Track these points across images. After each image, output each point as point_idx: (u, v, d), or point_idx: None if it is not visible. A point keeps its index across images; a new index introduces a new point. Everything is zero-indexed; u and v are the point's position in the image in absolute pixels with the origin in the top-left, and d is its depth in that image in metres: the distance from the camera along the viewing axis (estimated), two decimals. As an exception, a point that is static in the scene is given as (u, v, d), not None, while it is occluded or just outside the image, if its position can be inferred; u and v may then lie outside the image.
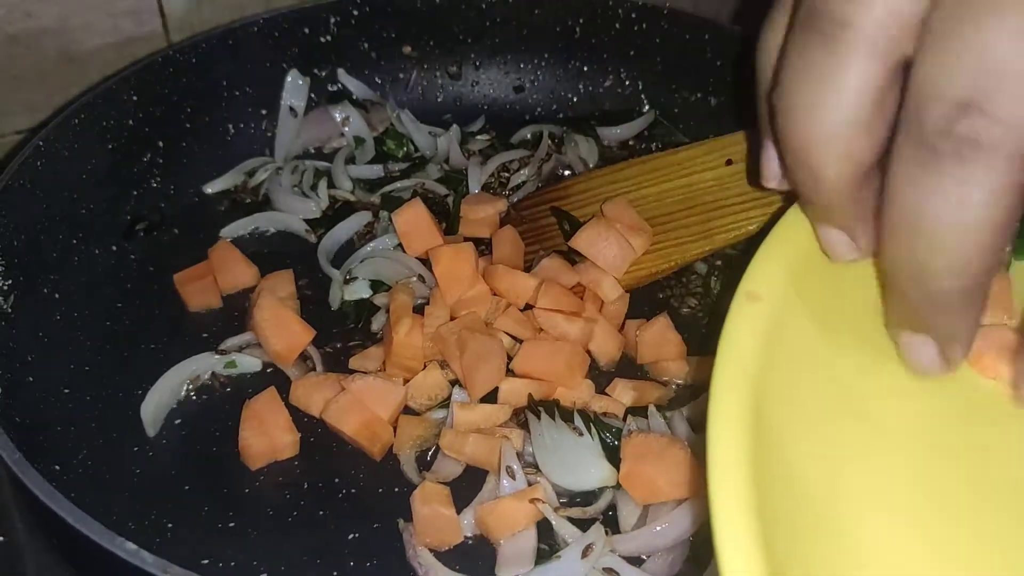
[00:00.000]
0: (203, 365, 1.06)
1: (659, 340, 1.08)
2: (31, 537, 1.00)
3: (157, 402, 1.02)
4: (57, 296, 1.08)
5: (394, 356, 1.02)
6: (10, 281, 1.00)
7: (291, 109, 1.36)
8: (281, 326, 1.05)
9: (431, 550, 0.90)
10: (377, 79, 1.43)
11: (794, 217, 0.75)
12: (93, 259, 1.15)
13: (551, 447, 0.95)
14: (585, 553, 0.87)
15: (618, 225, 1.10)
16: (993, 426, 0.70)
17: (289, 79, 1.37)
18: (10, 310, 1.00)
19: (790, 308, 0.69)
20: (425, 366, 1.04)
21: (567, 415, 0.99)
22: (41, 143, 1.08)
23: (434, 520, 0.91)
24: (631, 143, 1.41)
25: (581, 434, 0.96)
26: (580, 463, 0.95)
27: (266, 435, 0.98)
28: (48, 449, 0.95)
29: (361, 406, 0.98)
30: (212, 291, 1.14)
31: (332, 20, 1.37)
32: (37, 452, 0.90)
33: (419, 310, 1.08)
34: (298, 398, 1.02)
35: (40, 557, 0.98)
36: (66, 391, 1.02)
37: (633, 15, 1.39)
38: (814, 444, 0.64)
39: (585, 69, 1.45)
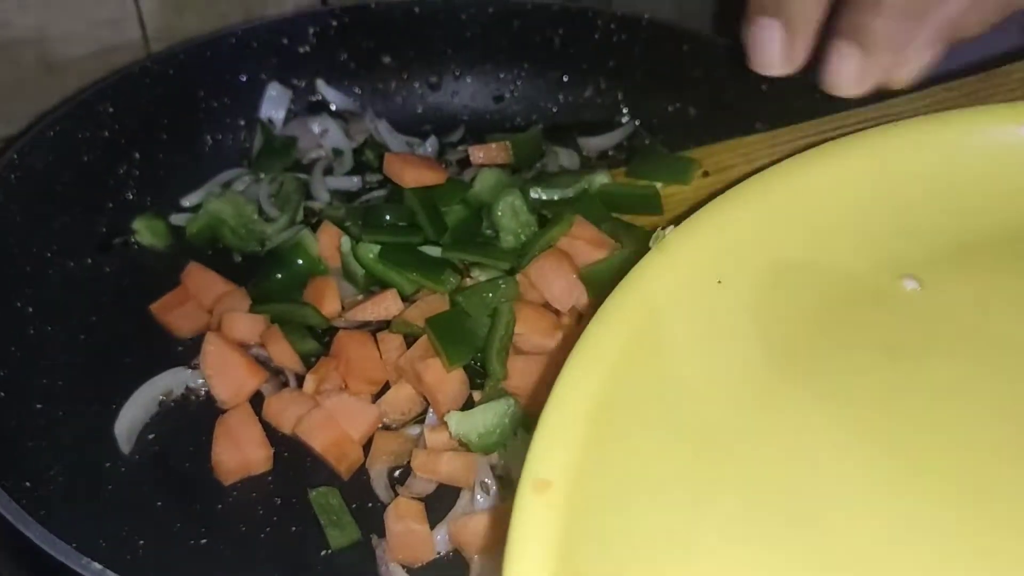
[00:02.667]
0: (177, 380, 1.06)
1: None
2: (5, 558, 1.00)
3: (131, 418, 1.02)
4: (31, 310, 1.07)
5: (354, 373, 1.02)
6: (-19, 296, 1.00)
7: (270, 121, 1.36)
8: (226, 371, 1.03)
9: (404, 566, 0.90)
10: (356, 89, 1.43)
11: (576, 369, 0.64)
12: (68, 272, 1.14)
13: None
14: (558, 569, 0.86)
15: (579, 242, 1.10)
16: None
17: (269, 92, 1.36)
18: (-18, 325, 0.99)
19: (588, 487, 0.58)
20: (389, 384, 1.04)
21: None
22: (15, 156, 1.08)
23: (407, 536, 0.91)
24: (611, 153, 1.41)
25: None
26: (554, 478, 0.94)
27: (239, 450, 0.97)
28: (20, 465, 0.95)
29: (333, 424, 0.98)
30: (198, 315, 1.12)
31: (311, 31, 1.36)
32: (8, 469, 0.90)
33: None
34: (271, 414, 1.02)
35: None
36: (39, 406, 1.02)
37: (612, 26, 1.39)
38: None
39: (565, 79, 1.45)
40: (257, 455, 0.98)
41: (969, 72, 1.15)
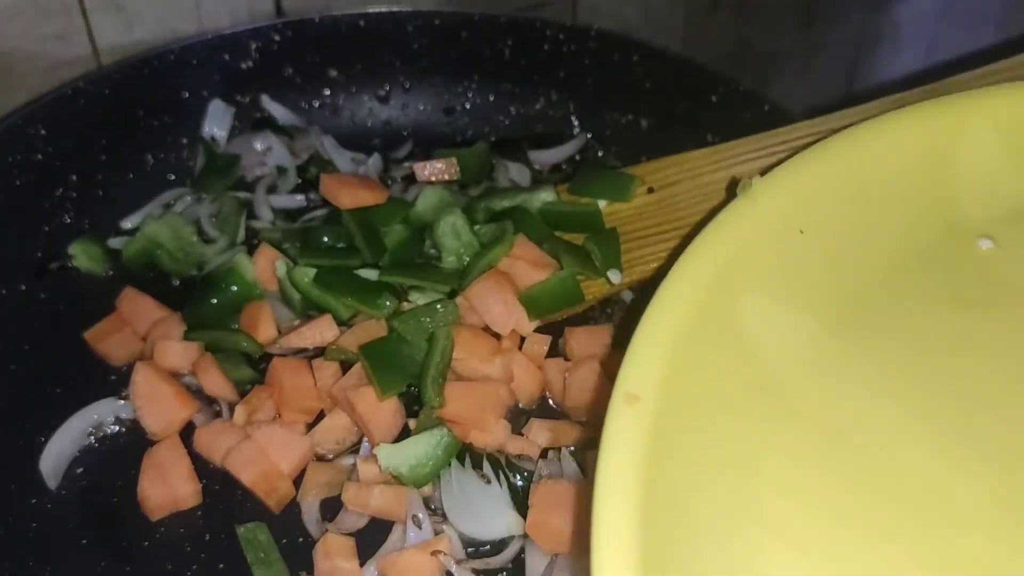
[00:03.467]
0: (107, 411, 1.03)
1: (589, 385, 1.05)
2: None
3: (58, 452, 0.99)
4: (-43, 342, 1.05)
5: (288, 402, 1.00)
6: (-100, 329, 0.97)
7: (213, 138, 1.34)
8: (156, 402, 1.01)
9: (333, 604, 0.88)
10: (303, 104, 1.40)
11: (666, 296, 0.72)
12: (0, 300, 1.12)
13: (459, 495, 0.93)
14: (488, 607, 0.85)
15: (521, 262, 1.08)
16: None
17: (212, 109, 1.34)
18: (-100, 359, 0.97)
19: (672, 405, 0.65)
20: (324, 412, 1.01)
21: (477, 461, 0.96)
22: (-60, 183, 1.05)
23: (336, 574, 0.89)
24: (563, 167, 1.38)
25: (488, 481, 0.94)
26: (487, 511, 0.93)
27: (166, 485, 0.95)
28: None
29: (262, 456, 0.96)
30: (133, 342, 1.10)
31: (253, 46, 1.34)
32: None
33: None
34: (201, 445, 0.99)
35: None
36: (-36, 446, 1.00)
37: (561, 36, 1.37)
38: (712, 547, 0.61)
39: (516, 91, 1.42)
40: (185, 490, 0.95)
41: (931, 78, 1.13)
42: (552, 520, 0.89)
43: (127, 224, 1.25)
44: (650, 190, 1.18)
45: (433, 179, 1.28)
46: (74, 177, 1.22)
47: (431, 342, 1.02)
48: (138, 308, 1.12)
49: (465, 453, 0.97)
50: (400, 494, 0.93)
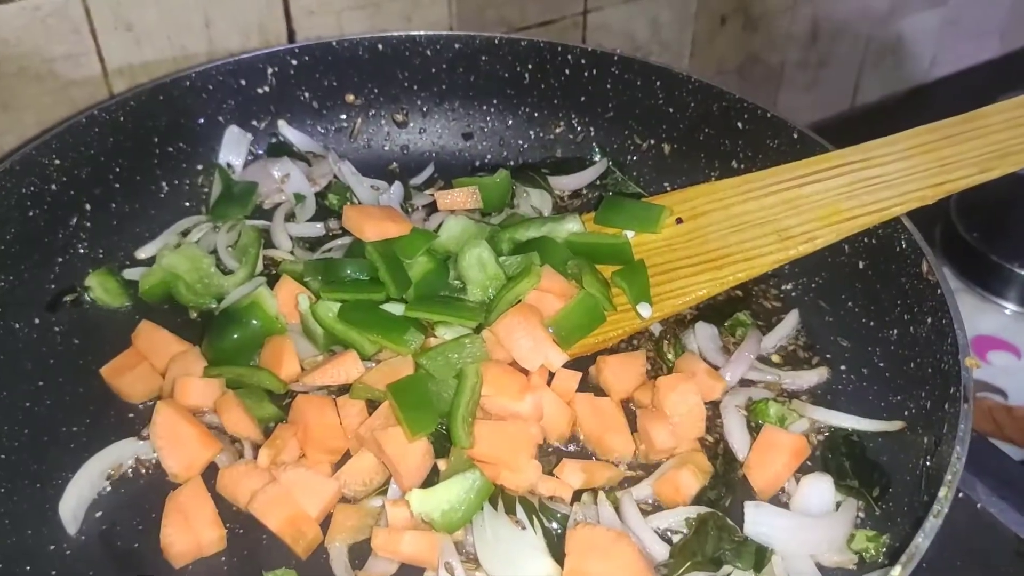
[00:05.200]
0: (126, 452, 1.01)
1: (603, 417, 1.03)
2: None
3: (77, 496, 0.96)
4: (-28, 378, 1.02)
5: (313, 442, 0.97)
6: (-86, 368, 0.95)
7: (229, 165, 1.31)
8: (177, 443, 0.98)
9: (364, 655, 0.85)
10: (320, 129, 1.38)
11: None
12: (12, 333, 1.09)
13: (492, 541, 0.91)
14: (526, 658, 0.82)
15: (548, 295, 1.05)
16: None
17: (228, 135, 1.31)
18: (-83, 399, 0.94)
19: None
20: (350, 452, 0.99)
21: (510, 505, 0.94)
22: (-49, 216, 1.02)
23: (367, 623, 0.86)
24: (584, 192, 1.36)
25: (523, 527, 0.91)
26: (522, 557, 0.90)
27: (190, 531, 0.92)
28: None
29: (289, 500, 0.93)
30: (151, 378, 1.07)
31: (269, 71, 1.32)
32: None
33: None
34: (225, 487, 0.97)
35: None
36: (-21, 486, 0.97)
37: (583, 61, 1.35)
38: None
39: (535, 115, 1.40)
40: (210, 536, 0.93)
41: (936, 90, 1.11)
42: (589, 567, 0.87)
43: (142, 254, 1.23)
44: (679, 220, 1.16)
45: (455, 208, 1.26)
46: (88, 206, 1.20)
47: (460, 379, 1.00)
48: (156, 342, 1.09)
49: (498, 497, 0.95)
50: (431, 540, 0.90)
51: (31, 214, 1.13)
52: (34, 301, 1.13)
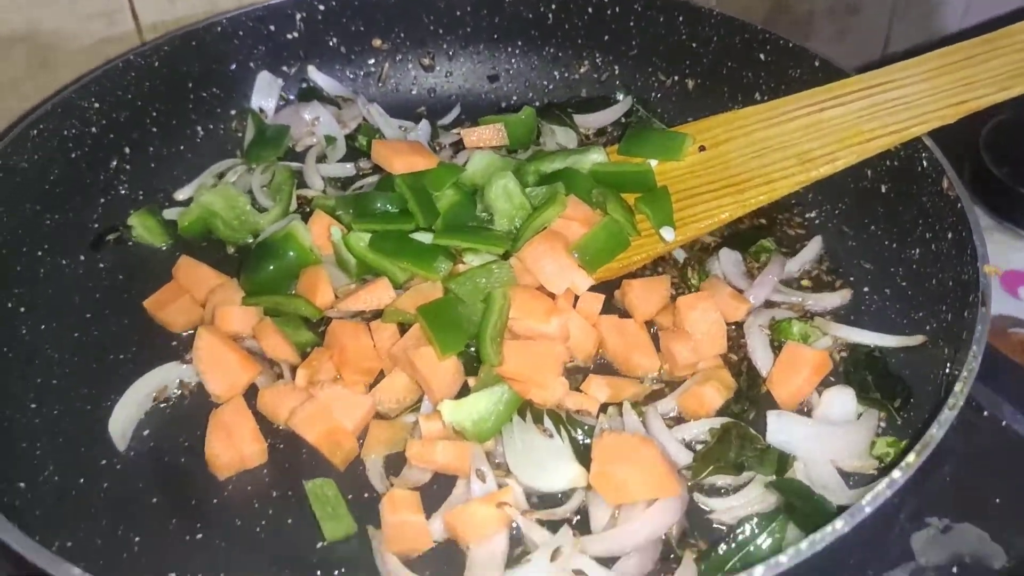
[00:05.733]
0: (170, 375, 1.05)
1: (628, 337, 1.06)
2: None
3: (125, 416, 1.01)
4: (23, 310, 1.07)
5: (349, 363, 1.01)
6: (-31, 296, 1.00)
7: (261, 110, 1.35)
8: (219, 366, 1.02)
9: (400, 557, 0.89)
10: (348, 74, 1.41)
11: None
12: (60, 270, 1.14)
13: (521, 449, 0.94)
14: (554, 556, 0.85)
15: (573, 223, 1.08)
16: None
17: (259, 80, 1.35)
18: (-29, 326, 0.99)
19: None
20: (384, 373, 1.03)
21: (538, 416, 0.97)
22: (-3, 157, 1.07)
23: (403, 527, 0.90)
24: (609, 130, 1.38)
25: (551, 435, 0.94)
26: (549, 464, 0.93)
27: (233, 444, 0.97)
28: (14, 465, 0.94)
29: (327, 415, 0.97)
30: (193, 308, 1.11)
31: (298, 16, 1.35)
32: (2, 471, 0.89)
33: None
34: (265, 406, 1.01)
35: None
36: (32, 406, 1.02)
37: (606, -1, 1.37)
38: None
39: (560, 56, 1.42)
40: (252, 449, 0.97)
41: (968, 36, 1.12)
42: (616, 472, 0.90)
43: (180, 195, 1.27)
44: (701, 148, 1.18)
45: (481, 145, 1.28)
46: (127, 149, 1.24)
47: (488, 302, 1.03)
48: (196, 276, 1.13)
49: (526, 409, 0.98)
50: (463, 449, 0.94)
51: (73, 156, 1.17)
52: (79, 240, 1.18)
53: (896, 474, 0.75)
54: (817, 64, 1.22)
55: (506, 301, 1.03)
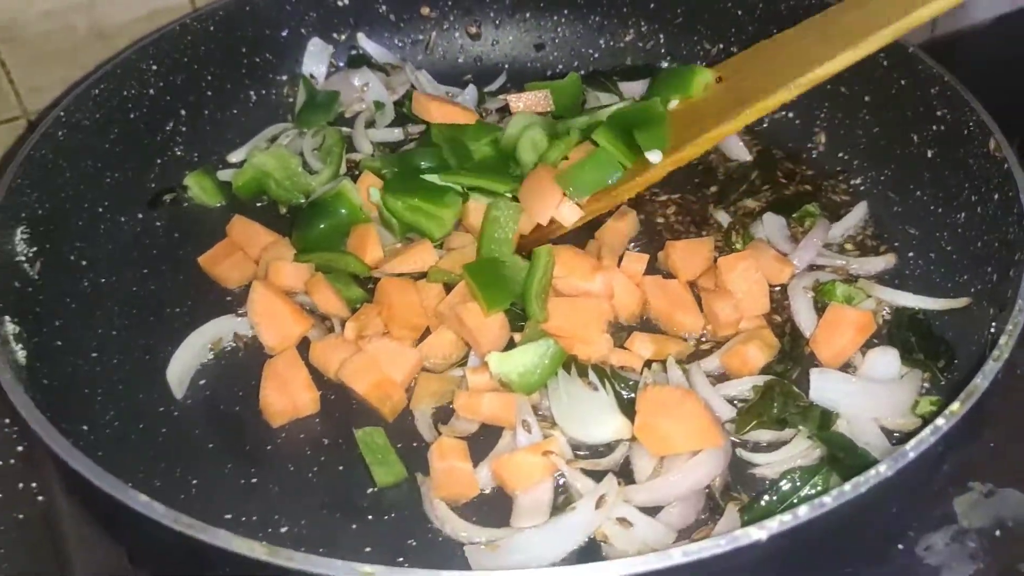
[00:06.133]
0: (225, 327, 1.08)
1: (672, 297, 1.07)
2: (65, 497, 1.04)
3: (182, 365, 1.04)
4: (84, 263, 1.11)
5: (396, 319, 1.03)
6: (35, 248, 1.03)
7: (312, 75, 1.37)
8: (273, 318, 1.05)
9: (448, 503, 0.91)
10: (397, 42, 1.43)
11: None
12: (119, 226, 1.17)
13: (566, 401, 0.96)
14: (599, 504, 0.87)
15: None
16: None
17: (310, 46, 1.37)
18: (36, 276, 1.02)
19: None
20: (430, 330, 1.05)
21: (583, 370, 0.99)
22: (62, 114, 1.10)
23: (451, 474, 0.92)
24: (652, 98, 1.39)
25: (596, 388, 0.96)
26: (594, 416, 0.95)
27: (286, 393, 0.99)
28: (76, 411, 0.98)
29: (375, 367, 0.99)
30: (246, 265, 1.14)
31: (349, -17, 1.37)
32: (65, 413, 0.93)
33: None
34: (316, 359, 1.03)
35: (74, 516, 1.02)
36: (93, 355, 1.05)
37: (651, -34, 1.37)
38: None
39: (605, 24, 1.43)
40: (304, 398, 1.00)
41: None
42: (660, 423, 0.91)
43: (234, 158, 1.30)
44: (718, 79, 1.17)
45: (527, 111, 1.30)
46: (183, 112, 1.27)
47: (533, 260, 1.05)
48: (249, 233, 1.16)
49: (571, 364, 0.99)
50: (509, 401, 0.96)
51: (132, 116, 1.21)
52: (137, 198, 1.21)
53: (940, 422, 0.76)
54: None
55: (550, 259, 1.04)
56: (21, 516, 1.06)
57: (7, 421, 1.13)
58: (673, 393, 0.94)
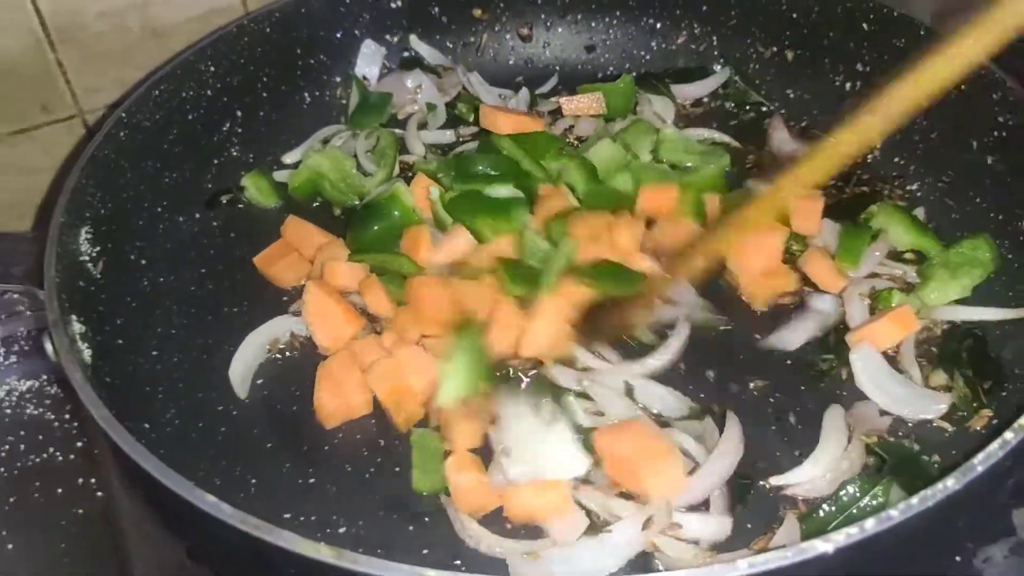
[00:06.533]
0: (282, 327, 1.09)
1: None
2: (127, 493, 1.05)
3: (243, 365, 1.06)
4: (144, 262, 1.13)
5: (427, 320, 1.04)
6: (98, 248, 1.05)
7: (365, 77, 1.38)
8: (326, 319, 1.05)
9: (477, 517, 0.91)
10: (448, 43, 1.44)
11: None
12: (177, 226, 1.19)
13: (518, 434, 0.94)
14: (646, 525, 0.86)
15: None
16: None
17: (364, 48, 1.38)
18: (99, 276, 1.04)
19: None
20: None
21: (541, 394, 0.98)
22: (123, 114, 1.12)
23: (471, 487, 0.92)
24: (705, 100, 1.39)
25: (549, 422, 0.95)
26: (550, 452, 0.93)
27: (340, 394, 1.00)
28: (138, 409, 0.99)
29: (398, 373, 0.99)
30: (301, 265, 1.15)
31: (402, -15, 1.38)
32: (127, 411, 0.93)
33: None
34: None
35: (135, 512, 1.04)
36: (154, 353, 1.07)
37: (706, -31, 1.37)
38: None
39: (657, 26, 1.43)
40: (358, 399, 1.00)
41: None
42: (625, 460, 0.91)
43: (289, 159, 1.32)
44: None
45: (579, 113, 1.30)
46: (239, 113, 1.29)
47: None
48: (304, 234, 1.17)
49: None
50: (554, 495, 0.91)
51: (190, 117, 1.22)
52: (195, 199, 1.23)
53: (1009, 435, 0.75)
54: (922, 34, 1.20)
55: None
56: (81, 511, 1.08)
57: (66, 417, 1.16)
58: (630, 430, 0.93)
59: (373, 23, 1.39)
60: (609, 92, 1.31)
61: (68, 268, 0.98)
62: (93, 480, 1.10)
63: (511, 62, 1.46)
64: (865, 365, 1.00)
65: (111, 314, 1.04)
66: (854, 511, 0.88)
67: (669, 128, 1.28)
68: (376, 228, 1.16)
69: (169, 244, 1.17)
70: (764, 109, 1.36)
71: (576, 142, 1.32)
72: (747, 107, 1.37)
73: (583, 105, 1.31)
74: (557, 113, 1.34)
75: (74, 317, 0.95)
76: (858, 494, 0.89)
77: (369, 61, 1.39)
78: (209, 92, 1.24)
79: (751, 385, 1.02)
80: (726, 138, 1.31)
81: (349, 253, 1.13)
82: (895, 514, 0.70)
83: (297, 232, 1.18)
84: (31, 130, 1.37)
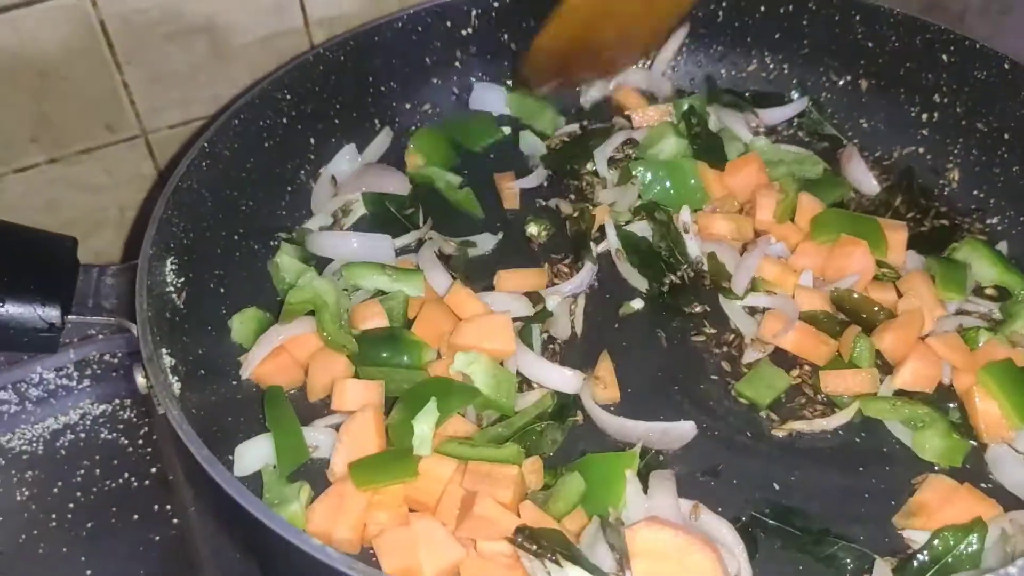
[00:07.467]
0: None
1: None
2: (203, 520, 1.06)
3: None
4: (222, 291, 1.13)
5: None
6: (183, 279, 1.05)
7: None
8: (357, 451, 0.98)
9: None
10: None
11: None
12: (253, 254, 1.19)
13: None
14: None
15: None
16: None
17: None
18: (183, 306, 1.05)
19: None
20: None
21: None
22: (206, 144, 1.13)
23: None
24: (779, 128, 1.37)
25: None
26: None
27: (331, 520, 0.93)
28: (221, 440, 0.99)
29: (411, 550, 0.89)
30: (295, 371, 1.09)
31: (473, 13, 1.37)
32: (211, 444, 0.94)
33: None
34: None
35: (212, 539, 1.04)
36: (234, 383, 1.07)
37: (778, -3, 1.36)
38: None
39: (728, 54, 1.42)
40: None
41: None
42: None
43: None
44: None
45: (651, 123, 1.33)
46: (312, 140, 1.29)
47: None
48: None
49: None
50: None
51: (267, 145, 1.23)
52: (268, 226, 1.23)
53: None
54: (1007, 67, 1.18)
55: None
56: (157, 538, 1.09)
57: (140, 443, 1.17)
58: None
59: (443, 49, 1.38)
60: (679, 106, 1.31)
61: (157, 299, 0.99)
62: (168, 506, 1.11)
63: (576, 88, 1.44)
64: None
65: (194, 344, 1.04)
66: (949, 560, 0.86)
67: (761, 140, 1.28)
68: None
69: (245, 272, 1.17)
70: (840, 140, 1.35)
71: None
72: (819, 137, 1.36)
73: (654, 116, 1.32)
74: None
75: (165, 350, 0.96)
76: (952, 542, 0.87)
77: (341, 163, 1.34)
78: (284, 120, 1.25)
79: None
80: (815, 157, 1.30)
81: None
82: (1014, 571, 0.68)
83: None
84: (95, 150, 1.38)
